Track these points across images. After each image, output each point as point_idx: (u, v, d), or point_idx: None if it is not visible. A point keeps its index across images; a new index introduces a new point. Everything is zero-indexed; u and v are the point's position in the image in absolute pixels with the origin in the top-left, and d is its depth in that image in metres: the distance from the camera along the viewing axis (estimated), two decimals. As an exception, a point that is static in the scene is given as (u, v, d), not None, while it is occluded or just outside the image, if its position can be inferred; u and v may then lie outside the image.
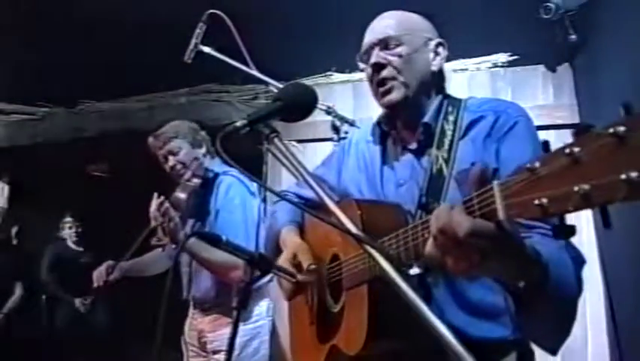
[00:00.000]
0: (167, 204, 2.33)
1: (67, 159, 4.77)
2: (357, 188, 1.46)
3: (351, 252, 1.29)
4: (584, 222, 3.06)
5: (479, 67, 3.62)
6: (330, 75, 3.82)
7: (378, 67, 1.37)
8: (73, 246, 5.11)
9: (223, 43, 2.25)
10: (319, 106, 2.01)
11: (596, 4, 2.96)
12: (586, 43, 3.15)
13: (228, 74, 2.30)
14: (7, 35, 3.57)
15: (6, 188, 5.31)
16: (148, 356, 1.29)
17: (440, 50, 1.41)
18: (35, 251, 5.13)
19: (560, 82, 3.49)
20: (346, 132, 2.39)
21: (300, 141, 3.60)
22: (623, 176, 0.61)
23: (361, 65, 1.45)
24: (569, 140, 0.69)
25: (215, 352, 2.59)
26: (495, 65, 3.61)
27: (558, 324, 1.03)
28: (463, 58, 3.57)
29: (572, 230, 0.75)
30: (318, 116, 1.87)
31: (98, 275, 2.71)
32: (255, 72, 2.27)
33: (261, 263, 1.37)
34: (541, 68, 3.51)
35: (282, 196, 1.45)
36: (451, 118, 1.35)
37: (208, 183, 2.63)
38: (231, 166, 1.07)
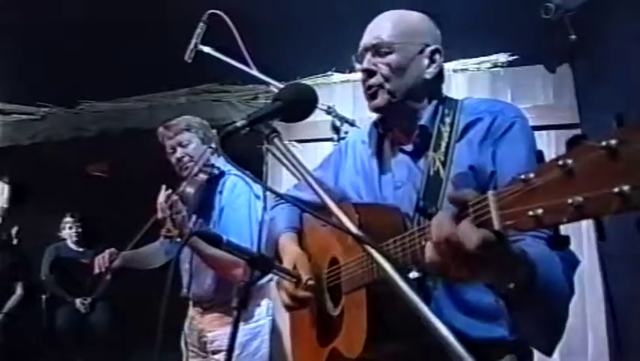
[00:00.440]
0: (175, 197, 2.33)
1: (67, 159, 4.78)
2: (355, 190, 1.46)
3: (349, 256, 1.29)
4: (583, 221, 3.05)
5: (479, 67, 3.62)
6: (330, 75, 3.82)
7: (367, 73, 1.36)
8: (73, 246, 5.11)
9: (223, 43, 2.25)
10: (319, 106, 2.01)
11: (596, 5, 2.96)
12: (586, 44, 3.15)
13: (228, 74, 2.29)
14: (8, 35, 3.57)
15: (6, 188, 5.32)
16: (148, 355, 1.29)
17: (436, 57, 1.38)
18: (35, 251, 5.13)
19: (560, 82, 3.48)
20: (346, 132, 2.39)
21: (300, 141, 3.60)
22: (616, 189, 0.61)
23: (357, 66, 1.44)
24: (570, 140, 0.69)
25: (215, 352, 2.58)
26: (495, 65, 3.61)
27: (549, 324, 1.04)
28: (463, 58, 3.57)
29: (565, 241, 0.76)
30: (318, 116, 1.87)
31: (101, 261, 2.68)
32: (255, 72, 2.27)
33: (262, 263, 1.36)
34: (541, 68, 3.51)
35: (281, 196, 1.45)
36: (447, 120, 1.35)
37: (213, 180, 2.63)
38: (232, 166, 1.07)
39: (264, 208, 1.83)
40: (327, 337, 1.39)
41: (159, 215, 2.33)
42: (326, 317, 1.42)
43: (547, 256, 1.00)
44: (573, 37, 3.11)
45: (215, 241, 1.38)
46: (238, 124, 1.11)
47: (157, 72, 3.69)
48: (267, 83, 2.39)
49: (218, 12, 2.24)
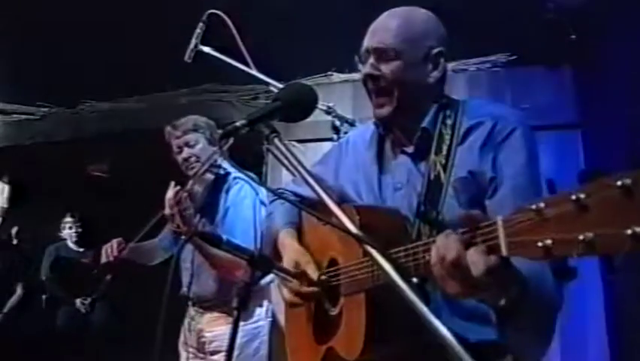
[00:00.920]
0: (183, 194, 2.33)
1: (67, 159, 4.77)
2: (354, 189, 1.45)
3: (350, 258, 1.29)
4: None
5: (479, 67, 3.63)
6: (330, 75, 3.82)
7: (371, 77, 1.35)
8: (73, 246, 5.11)
9: (223, 43, 2.25)
10: (319, 106, 2.01)
11: (596, 4, 2.96)
12: (586, 43, 3.15)
13: (228, 74, 2.29)
14: (8, 35, 3.58)
15: (6, 188, 5.31)
16: (148, 355, 1.29)
17: (440, 60, 1.36)
18: (35, 251, 5.13)
19: (560, 82, 3.48)
20: (346, 132, 2.39)
21: (300, 141, 3.60)
22: (629, 231, 0.62)
23: (360, 66, 1.41)
24: (584, 173, 0.70)
25: (213, 353, 2.58)
26: (495, 65, 3.61)
27: (536, 336, 1.06)
28: (463, 58, 3.58)
29: (572, 273, 0.77)
30: (318, 116, 1.87)
31: (109, 250, 2.61)
32: (254, 72, 2.27)
33: (262, 263, 1.36)
34: (541, 68, 3.51)
35: (281, 195, 1.44)
36: (449, 122, 1.34)
37: (219, 180, 2.63)
38: (235, 168, 1.07)
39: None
40: (324, 335, 1.39)
41: (167, 211, 2.33)
42: (323, 315, 1.42)
43: (538, 271, 1.01)
44: (573, 36, 3.11)
45: (215, 241, 1.38)
46: (238, 124, 1.11)
47: (157, 72, 3.70)
48: (267, 83, 2.38)
49: (218, 12, 2.23)
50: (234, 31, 2.20)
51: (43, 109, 4.56)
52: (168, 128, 2.68)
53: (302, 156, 1.09)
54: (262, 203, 2.54)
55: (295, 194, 1.61)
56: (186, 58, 2.29)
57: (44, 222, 5.25)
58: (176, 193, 2.32)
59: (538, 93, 3.51)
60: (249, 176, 1.09)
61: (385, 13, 1.40)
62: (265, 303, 2.64)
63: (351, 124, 2.40)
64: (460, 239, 0.89)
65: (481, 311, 1.20)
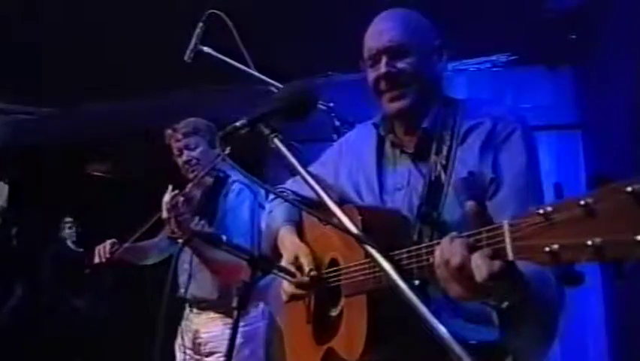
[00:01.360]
0: (179, 198, 2.33)
1: (67, 159, 4.77)
2: (354, 189, 1.45)
3: (351, 259, 1.29)
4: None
5: (479, 67, 3.63)
6: (331, 75, 3.82)
7: (389, 76, 1.34)
8: (73, 246, 5.11)
9: (223, 43, 2.25)
10: (319, 106, 2.01)
11: (596, 4, 2.96)
12: (586, 43, 3.15)
13: (228, 74, 2.29)
14: (8, 35, 3.58)
15: (6, 188, 5.31)
16: (148, 355, 1.29)
17: (443, 52, 1.39)
18: (35, 251, 5.13)
19: (560, 82, 3.49)
20: (346, 133, 2.39)
21: (300, 141, 3.60)
22: (639, 237, 0.61)
23: (369, 71, 1.39)
24: (594, 178, 0.69)
25: (209, 354, 2.57)
26: (495, 65, 3.61)
27: (538, 339, 1.06)
28: (463, 58, 3.58)
29: (579, 278, 0.76)
30: (318, 116, 1.86)
31: (102, 251, 2.62)
32: (255, 72, 2.27)
33: (262, 263, 1.36)
34: (541, 68, 3.51)
35: (281, 195, 1.44)
36: (449, 122, 1.34)
37: (219, 183, 2.63)
38: (235, 169, 1.07)
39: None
40: (324, 335, 1.39)
41: (164, 214, 2.33)
42: (323, 315, 1.42)
43: (540, 273, 1.00)
44: (573, 36, 3.11)
45: (215, 241, 1.38)
46: (238, 124, 1.11)
47: (157, 72, 3.70)
48: (267, 83, 2.38)
49: (218, 12, 2.23)
50: (234, 31, 2.20)
51: (43, 109, 4.56)
52: (168, 131, 2.68)
53: (302, 156, 1.09)
54: (261, 206, 2.54)
55: (296, 194, 1.61)
56: (186, 58, 2.29)
57: (44, 222, 5.25)
58: (173, 197, 2.32)
59: (538, 93, 3.51)
60: (249, 177, 1.08)
61: (383, 15, 1.41)
62: (261, 304, 2.63)
63: (351, 124, 2.40)
64: (465, 243, 0.89)
65: (482, 312, 1.19)
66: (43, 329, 4.90)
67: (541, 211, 0.74)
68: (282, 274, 1.42)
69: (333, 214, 1.00)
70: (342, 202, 1.39)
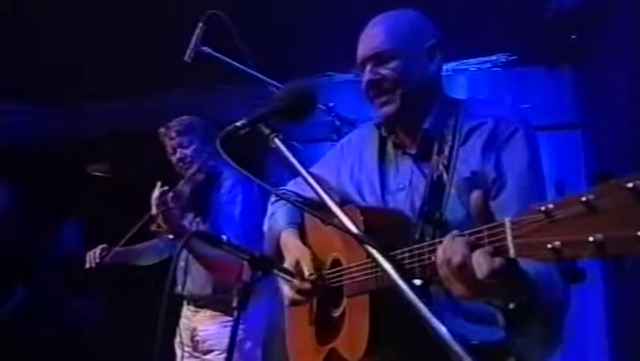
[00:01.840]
0: (168, 194, 2.33)
1: (67, 159, 4.77)
2: (356, 190, 1.45)
3: (353, 259, 1.29)
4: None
5: (479, 67, 3.63)
6: (331, 75, 3.82)
7: (373, 83, 1.35)
8: (73, 246, 5.11)
9: (223, 43, 2.25)
10: (320, 106, 2.01)
11: (596, 5, 2.96)
12: (586, 43, 3.15)
13: (228, 74, 2.29)
14: (8, 35, 3.57)
15: (6, 188, 5.31)
16: (147, 355, 1.29)
17: (436, 52, 1.38)
18: (35, 251, 5.13)
19: (560, 82, 3.48)
20: (346, 133, 2.39)
21: (300, 141, 3.60)
22: None
23: (362, 77, 1.41)
24: (596, 175, 0.69)
25: (206, 352, 2.58)
26: (495, 65, 3.61)
27: (544, 340, 1.06)
28: (463, 58, 3.57)
29: (581, 275, 0.77)
30: (318, 116, 1.87)
31: (92, 256, 2.71)
32: (255, 72, 2.27)
33: (262, 263, 1.36)
34: (541, 68, 3.51)
35: (283, 197, 1.44)
36: (450, 123, 1.34)
37: (213, 179, 2.64)
38: (231, 167, 1.07)
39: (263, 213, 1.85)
40: (327, 336, 1.39)
41: (153, 211, 2.34)
42: (326, 316, 1.42)
43: (546, 274, 1.01)
44: (573, 36, 3.11)
45: (216, 241, 1.38)
46: (238, 124, 1.12)
47: (157, 72, 3.69)
48: (267, 83, 2.39)
49: (218, 12, 2.23)
50: (234, 32, 2.20)
51: (42, 109, 4.56)
52: (162, 130, 2.69)
53: (302, 156, 1.09)
54: (255, 200, 2.55)
55: (298, 195, 1.61)
56: (186, 58, 2.29)
57: (44, 222, 5.25)
58: (161, 194, 2.33)
59: (538, 93, 3.51)
60: (245, 175, 1.08)
61: (373, 21, 1.42)
62: (259, 302, 2.63)
63: (352, 124, 2.40)
64: (467, 241, 0.89)
65: (484, 312, 1.20)
66: (43, 329, 4.90)
67: (542, 208, 0.74)
68: (282, 274, 1.42)
69: (334, 215, 1.00)
70: (344, 203, 1.39)
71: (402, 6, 1.44)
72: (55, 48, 3.58)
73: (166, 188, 2.35)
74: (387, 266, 0.92)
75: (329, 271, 1.42)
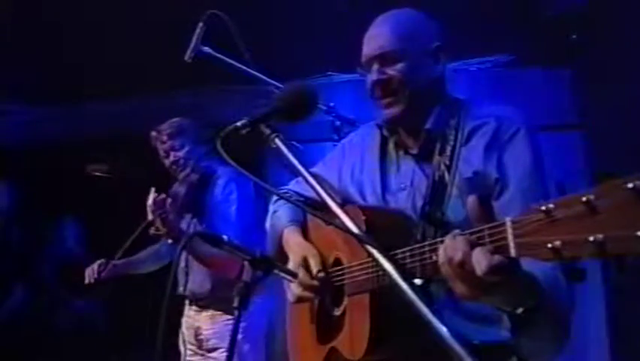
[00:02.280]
0: (162, 197, 2.34)
1: (67, 159, 4.77)
2: (358, 190, 1.45)
3: (354, 258, 1.29)
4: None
5: (479, 67, 3.63)
6: (331, 75, 3.82)
7: (380, 83, 1.35)
8: (73, 247, 5.11)
9: (223, 43, 2.25)
10: (320, 106, 2.01)
11: (596, 5, 2.96)
12: (586, 44, 3.15)
13: (228, 74, 2.30)
14: (8, 35, 3.57)
15: (6, 188, 5.31)
16: (148, 356, 1.29)
17: (440, 54, 1.38)
18: (35, 251, 5.13)
19: (560, 82, 3.49)
20: (346, 132, 2.39)
21: (300, 141, 3.60)
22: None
23: (367, 77, 1.40)
24: (568, 139, 0.70)
25: (211, 350, 2.60)
26: (495, 65, 3.61)
27: (551, 343, 1.06)
28: (463, 58, 3.58)
29: (581, 274, 0.77)
30: (318, 116, 1.87)
31: (90, 272, 2.74)
32: (255, 72, 2.27)
33: (263, 263, 1.36)
34: (541, 68, 3.51)
35: (283, 197, 1.44)
36: (452, 123, 1.34)
37: (207, 179, 2.65)
38: (231, 167, 1.07)
39: (260, 209, 1.85)
40: (327, 335, 1.39)
41: (149, 217, 2.35)
42: (327, 315, 1.42)
43: (551, 276, 1.01)
44: (573, 36, 3.11)
45: (217, 241, 1.38)
46: (238, 124, 1.12)
47: (157, 72, 3.69)
48: (267, 83, 2.39)
49: (218, 12, 2.23)
50: (234, 32, 2.21)
51: (43, 109, 4.55)
52: (153, 133, 2.70)
53: (303, 156, 1.09)
54: (250, 197, 2.56)
55: (299, 195, 1.61)
56: (186, 58, 2.29)
57: (44, 223, 5.25)
58: (156, 198, 2.34)
59: (539, 93, 3.51)
60: (249, 177, 1.07)
61: (377, 20, 1.41)
62: (261, 300, 2.64)
63: (352, 124, 2.40)
64: (468, 240, 0.89)
65: (485, 312, 1.20)
66: (43, 329, 4.90)
67: (543, 208, 0.74)
68: (283, 274, 1.42)
69: (335, 214, 1.00)
70: (345, 203, 1.39)
71: (403, 6, 1.44)
72: (55, 48, 3.59)
73: (160, 194, 2.36)
74: (387, 266, 0.92)
75: (330, 270, 1.43)
